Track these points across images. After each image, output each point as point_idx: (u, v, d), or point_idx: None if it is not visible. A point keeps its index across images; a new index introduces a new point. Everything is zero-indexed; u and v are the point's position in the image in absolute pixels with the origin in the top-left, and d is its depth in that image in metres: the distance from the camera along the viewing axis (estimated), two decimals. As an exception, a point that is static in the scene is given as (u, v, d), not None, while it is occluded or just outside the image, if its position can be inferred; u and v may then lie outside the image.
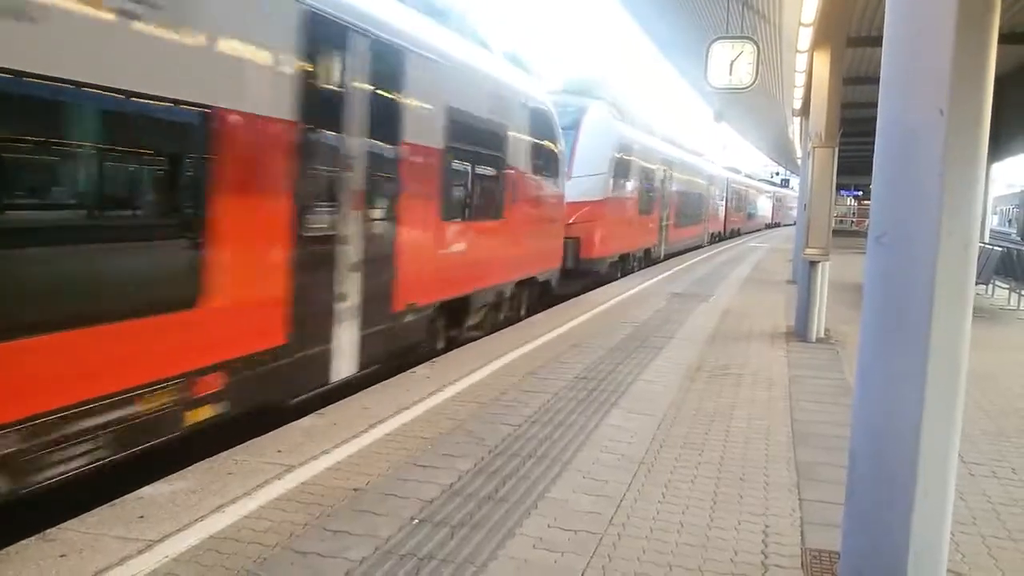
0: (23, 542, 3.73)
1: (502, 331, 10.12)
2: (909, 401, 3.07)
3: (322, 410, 6.16)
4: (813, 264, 10.35)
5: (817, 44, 10.45)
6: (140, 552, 3.67)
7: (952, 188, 2.95)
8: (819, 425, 6.25)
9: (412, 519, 4.16)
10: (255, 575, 3.51)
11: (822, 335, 10.35)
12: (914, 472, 3.04)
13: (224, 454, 5.08)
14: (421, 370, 7.68)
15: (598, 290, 15.11)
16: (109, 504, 4.21)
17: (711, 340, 9.92)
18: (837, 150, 10.55)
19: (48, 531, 3.84)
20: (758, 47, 12.02)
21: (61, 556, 3.60)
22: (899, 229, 3.15)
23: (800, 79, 13.94)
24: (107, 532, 3.86)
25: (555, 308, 12.37)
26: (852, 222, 59.43)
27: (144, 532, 3.88)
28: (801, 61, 12.18)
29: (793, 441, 5.80)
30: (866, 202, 53.51)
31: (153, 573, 3.49)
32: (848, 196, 59.27)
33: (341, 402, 6.42)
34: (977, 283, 12.39)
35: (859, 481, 3.31)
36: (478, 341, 9.37)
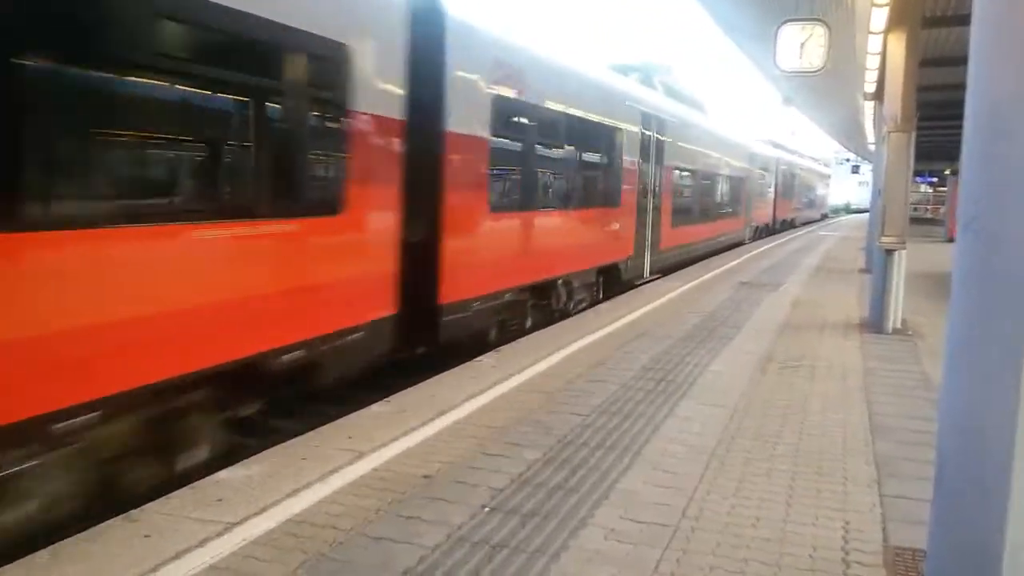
0: (109, 522, 3.85)
1: (565, 320, 10.07)
2: (1001, 395, 2.92)
3: (390, 397, 6.22)
4: (889, 253, 10.02)
5: (892, 25, 10.09)
6: (219, 534, 3.76)
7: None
8: (898, 419, 6.06)
9: (483, 507, 4.16)
10: (331, 559, 3.56)
11: (898, 326, 10.03)
12: (1008, 468, 2.90)
13: (297, 440, 5.17)
14: (487, 359, 7.69)
15: (662, 279, 14.94)
16: (189, 487, 4.33)
17: (781, 330, 9.71)
18: (914, 135, 10.18)
19: (132, 512, 3.96)
20: (829, 29, 11.67)
21: (145, 536, 3.71)
22: (991, 214, 3.00)
23: (873, 61, 13.48)
24: (188, 514, 3.96)
25: (619, 297, 12.26)
26: (927, 209, 57.52)
27: (223, 515, 3.97)
28: (874, 43, 11.76)
29: (871, 435, 5.63)
30: (941, 189, 51.60)
31: (232, 555, 3.57)
32: (923, 183, 57.33)
33: (409, 389, 6.48)
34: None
35: (947, 478, 3.18)
36: (545, 329, 9.35)
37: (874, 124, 20.06)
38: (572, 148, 10.95)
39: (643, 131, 14.13)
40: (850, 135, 44.71)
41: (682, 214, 17.47)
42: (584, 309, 11.41)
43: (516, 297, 9.36)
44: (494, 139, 8.62)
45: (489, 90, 8.46)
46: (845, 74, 19.71)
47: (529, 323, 9.89)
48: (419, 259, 7.21)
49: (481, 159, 8.42)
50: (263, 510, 4.04)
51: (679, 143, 16.86)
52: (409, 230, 6.94)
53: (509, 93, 8.98)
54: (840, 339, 9.31)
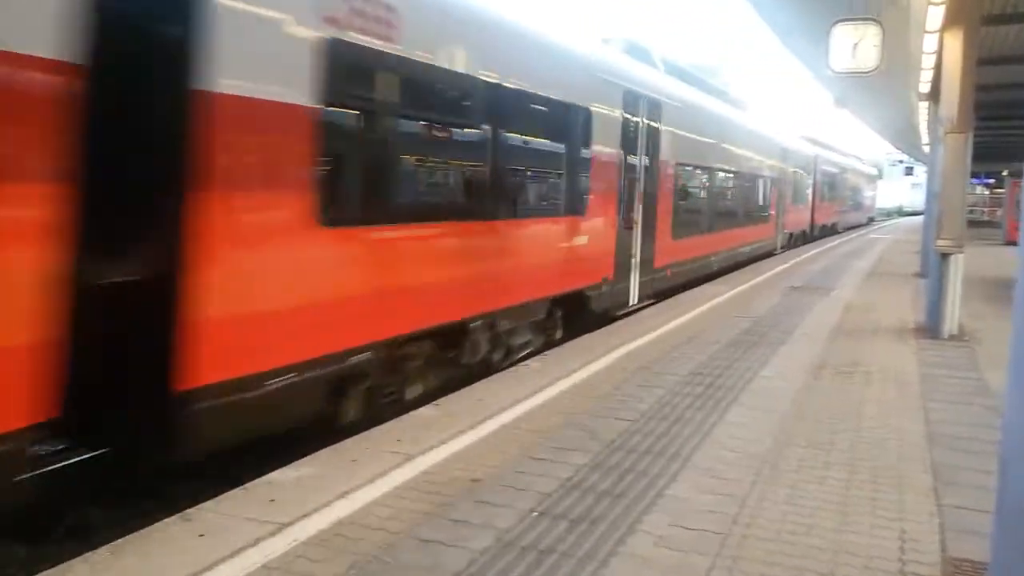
0: (165, 520, 3.93)
1: (612, 325, 10.01)
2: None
3: (438, 401, 6.25)
4: (945, 256, 9.78)
5: (948, 24, 9.85)
6: (272, 534, 3.81)
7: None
8: (956, 426, 5.90)
9: (532, 511, 4.15)
10: (380, 560, 3.58)
11: (955, 331, 9.78)
12: (1076, 480, 2.81)
13: (346, 442, 5.22)
14: (533, 363, 7.69)
15: (711, 283, 14.77)
16: (241, 487, 4.40)
17: (834, 336, 9.53)
18: (971, 136, 9.93)
19: (188, 511, 4.04)
20: (883, 28, 11.44)
21: (200, 535, 3.78)
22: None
23: (929, 61, 13.19)
24: (241, 514, 4.03)
25: (667, 301, 12.16)
26: (983, 211, 55.99)
27: (275, 515, 4.02)
28: (930, 42, 11.51)
29: (929, 443, 5.49)
30: (999, 190, 50.12)
31: (284, 555, 3.61)
32: (979, 184, 55.82)
33: (456, 393, 6.50)
34: None
35: (1012, 488, 3.08)
36: (590, 334, 9.31)
37: (929, 125, 19.63)
38: (497, 132, 7.57)
39: (627, 116, 10.74)
40: (903, 136, 43.73)
41: (689, 222, 14.31)
42: (532, 355, 8.37)
43: (378, 355, 6.09)
44: (329, 109, 5.33)
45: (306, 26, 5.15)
46: (899, 74, 19.31)
47: (417, 390, 6.82)
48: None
49: (294, 140, 5.14)
50: (314, 511, 4.09)
51: (685, 134, 13.53)
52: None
53: (353, 30, 5.54)
54: (895, 344, 9.11)
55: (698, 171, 15.02)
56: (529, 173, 8.62)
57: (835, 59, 11.56)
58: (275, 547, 3.68)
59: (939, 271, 9.80)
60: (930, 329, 9.84)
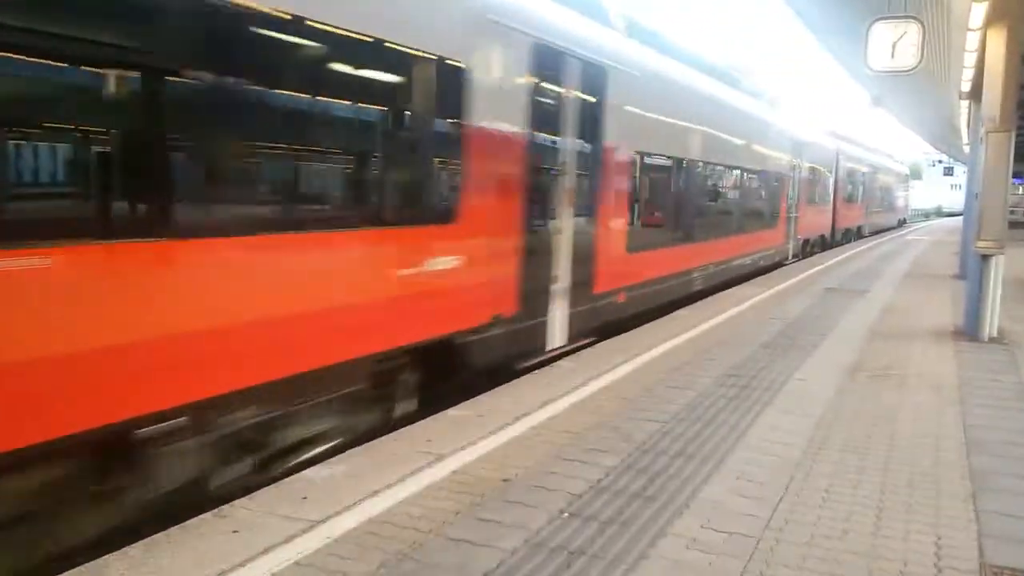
0: (200, 517, 3.99)
1: (645, 326, 9.96)
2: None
3: (469, 401, 6.26)
4: (985, 258, 9.59)
5: (991, 21, 9.67)
6: (304, 532, 3.85)
7: None
8: (996, 432, 5.78)
9: (562, 512, 4.15)
10: (411, 559, 3.60)
11: (995, 334, 9.58)
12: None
13: (378, 441, 5.26)
14: (566, 363, 7.67)
15: (744, 285, 14.64)
16: (275, 485, 4.45)
17: (870, 338, 9.39)
18: (1014, 135, 9.73)
19: (222, 508, 4.09)
20: (923, 26, 11.25)
21: (234, 532, 3.82)
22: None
23: (970, 59, 12.95)
24: (274, 511, 4.07)
25: (700, 303, 12.07)
26: (1024, 212, 54.76)
27: (307, 513, 4.06)
28: (972, 40, 11.30)
29: (967, 448, 5.39)
30: (1041, 191, 48.98)
31: (316, 552, 3.65)
32: (1021, 184, 54.63)
33: (487, 393, 6.51)
34: None
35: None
36: (623, 335, 9.27)
37: (969, 124, 19.26)
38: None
39: (541, 81, 7.66)
40: (942, 136, 42.93)
41: (657, 229, 11.43)
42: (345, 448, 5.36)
43: None
44: None
45: None
46: (939, 73, 18.99)
47: None
48: None
49: None
50: (345, 509, 4.12)
51: (654, 115, 10.53)
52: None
53: None
54: (932, 347, 8.95)
55: (673, 163, 11.66)
56: (327, 156, 5.52)
57: (873, 58, 11.38)
58: (307, 545, 3.72)
59: (979, 273, 9.61)
60: (969, 332, 9.66)
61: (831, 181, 24.56)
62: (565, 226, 8.22)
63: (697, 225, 12.86)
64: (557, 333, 8.25)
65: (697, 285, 12.93)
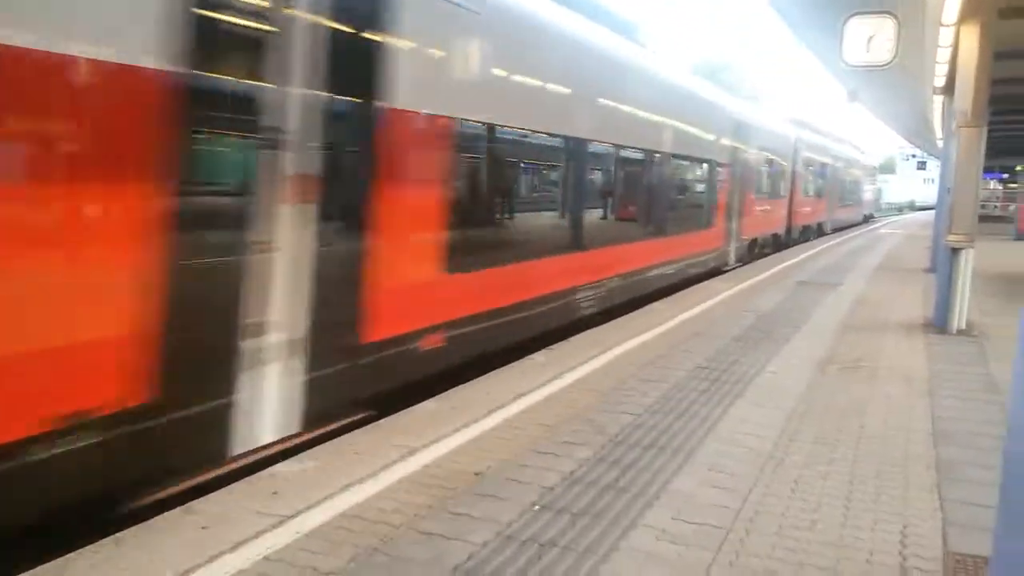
0: (168, 513, 3.95)
1: (619, 319, 9.99)
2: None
3: (443, 394, 6.25)
4: (955, 251, 9.71)
5: (964, 17, 9.77)
6: (274, 527, 3.82)
7: None
8: (962, 423, 5.87)
9: (533, 505, 4.16)
10: (381, 553, 3.59)
11: (963, 327, 9.71)
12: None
13: (350, 435, 5.23)
14: (539, 357, 7.68)
15: (719, 278, 14.73)
16: (245, 480, 4.41)
17: (841, 331, 9.48)
18: (985, 130, 9.85)
19: (191, 503, 4.06)
20: (898, 21, 11.36)
21: (203, 528, 3.79)
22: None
23: (944, 55, 13.09)
24: (244, 506, 4.04)
25: (675, 296, 12.13)
26: (996, 206, 55.59)
27: (277, 508, 4.04)
28: (945, 36, 11.43)
29: (934, 439, 5.46)
30: (1012, 185, 49.69)
31: (286, 547, 3.63)
32: (992, 179, 55.42)
33: (461, 387, 6.50)
34: None
35: (1014, 483, 3.06)
36: (597, 328, 9.29)
37: (942, 119, 19.48)
38: None
39: None
40: (917, 131, 43.39)
41: (509, 234, 8.33)
42: None
43: None
44: None
45: None
46: (913, 68, 19.17)
47: None
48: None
49: None
50: (316, 504, 4.10)
51: (491, 69, 7.40)
52: None
53: None
54: (903, 340, 9.06)
55: (534, 141, 8.61)
56: None
57: (849, 52, 11.48)
58: (277, 540, 3.69)
59: (949, 266, 9.74)
60: (938, 324, 9.79)
61: (788, 172, 22.24)
62: (289, 238, 4.99)
63: (582, 228, 9.76)
64: (268, 422, 5.01)
65: (583, 310, 9.77)
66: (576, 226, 9.75)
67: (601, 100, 10.03)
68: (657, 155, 12.11)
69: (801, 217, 24.50)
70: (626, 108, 10.81)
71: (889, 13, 11.56)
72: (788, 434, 5.46)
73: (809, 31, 20.35)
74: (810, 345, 8.52)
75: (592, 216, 10.27)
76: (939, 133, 24.74)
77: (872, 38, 11.30)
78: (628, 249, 11.26)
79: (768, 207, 20.18)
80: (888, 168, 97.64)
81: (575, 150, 9.57)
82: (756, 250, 19.32)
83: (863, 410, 6.12)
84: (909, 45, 16.07)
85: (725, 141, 15.68)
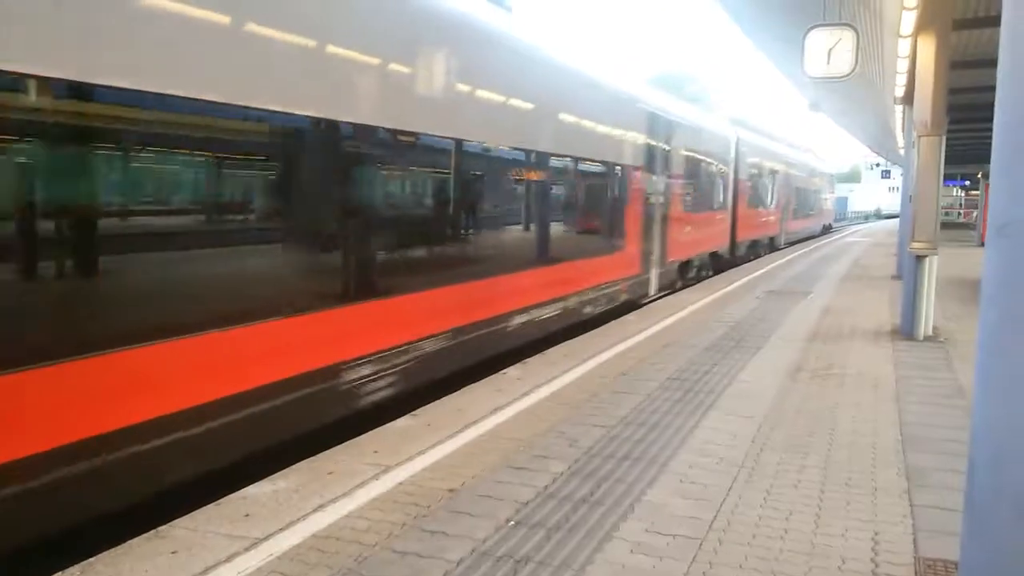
0: (137, 539, 3.89)
1: (594, 331, 10.02)
2: (1034, 404, 2.86)
3: (416, 411, 6.23)
4: (920, 258, 9.88)
5: (921, 28, 9.98)
6: (246, 550, 3.78)
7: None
8: (930, 428, 5.95)
9: (508, 521, 4.15)
10: (356, 574, 3.56)
11: (930, 333, 9.87)
12: (1041, 480, 2.83)
13: (323, 454, 5.20)
14: (512, 371, 7.68)
15: (690, 289, 14.83)
16: (215, 503, 4.36)
17: (811, 339, 9.59)
18: (944, 139, 10.05)
19: (160, 528, 4.00)
20: (858, 33, 11.58)
21: (172, 553, 3.74)
22: None
23: (903, 65, 13.35)
24: (215, 530, 3.99)
25: (647, 307, 12.20)
26: (959, 213, 56.65)
27: (249, 530, 3.99)
28: (904, 46, 11.66)
29: (902, 445, 5.53)
30: (974, 192, 50.67)
31: (259, 571, 3.59)
32: (954, 186, 56.48)
33: (435, 403, 6.48)
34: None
35: (980, 488, 3.11)
36: (570, 341, 9.31)
37: (903, 128, 19.84)
38: None
39: None
40: (880, 140, 44.08)
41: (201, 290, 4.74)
42: None
43: None
44: None
45: None
46: (874, 78, 19.55)
47: None
48: None
49: None
50: (289, 525, 4.07)
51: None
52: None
53: None
54: (871, 347, 9.18)
55: (271, 135, 5.27)
56: None
57: (810, 64, 11.67)
58: (249, 563, 3.65)
59: (914, 273, 9.90)
60: (905, 331, 9.93)
61: (729, 180, 19.26)
62: None
63: (375, 263, 6.40)
64: None
65: (379, 391, 6.39)
66: (359, 264, 6.20)
67: (412, 68, 6.61)
68: (523, 155, 8.82)
69: (747, 231, 21.56)
70: (465, 86, 7.51)
71: (849, 25, 11.78)
72: (760, 443, 5.51)
73: (772, 44, 20.65)
74: (780, 354, 8.60)
75: (388, 244, 6.55)
76: (901, 142, 25.17)
77: (832, 49, 11.50)
78: (463, 293, 7.68)
79: (705, 222, 17.10)
80: (854, 177, 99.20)
81: (389, 150, 6.51)
82: (691, 273, 16.43)
83: (833, 417, 6.19)
84: (870, 56, 16.44)
85: (637, 139, 12.46)
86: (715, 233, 18.37)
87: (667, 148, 14.03)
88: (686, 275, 15.93)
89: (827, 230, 41.62)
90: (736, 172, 19.99)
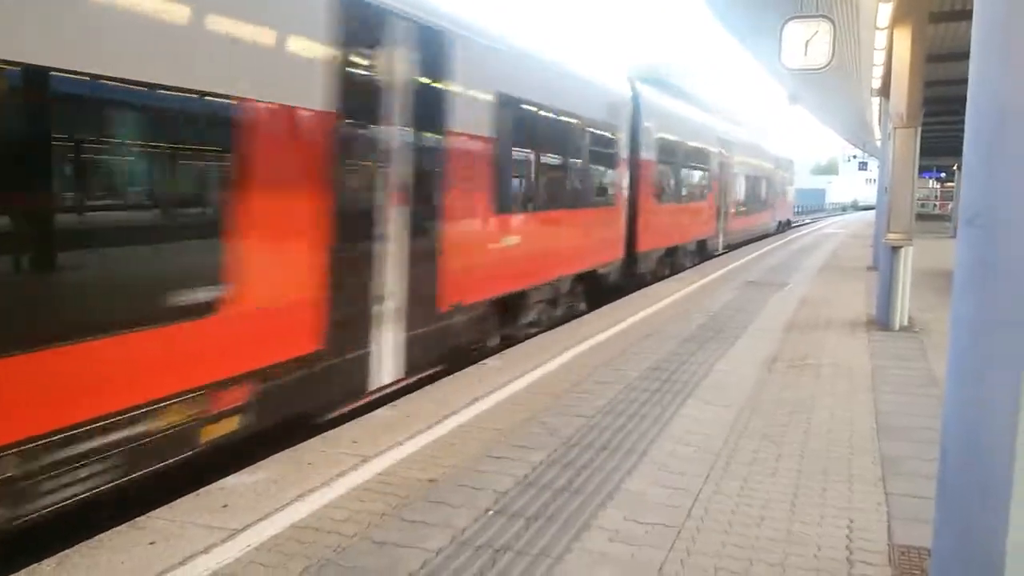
0: (115, 529, 3.86)
1: (571, 322, 10.05)
2: (1005, 392, 2.90)
3: (396, 402, 6.22)
4: (895, 250, 9.99)
5: (897, 20, 10.07)
6: (224, 540, 3.77)
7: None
8: (904, 417, 6.03)
9: (487, 510, 4.16)
10: (335, 564, 3.56)
11: (905, 323, 9.99)
12: (1010, 467, 2.88)
13: (302, 445, 5.18)
14: (492, 361, 7.69)
15: (670, 279, 14.90)
16: (194, 494, 4.34)
17: (788, 329, 9.68)
18: (920, 131, 10.15)
19: (138, 519, 3.98)
20: (834, 25, 11.64)
21: (151, 543, 3.72)
22: (995, 210, 2.99)
23: (879, 57, 13.46)
24: (193, 520, 3.98)
25: (626, 298, 12.24)
26: (935, 205, 57.26)
27: (228, 521, 3.98)
28: (880, 39, 11.75)
29: (877, 433, 5.61)
30: (949, 184, 51.26)
31: (237, 561, 3.58)
32: (930, 178, 57.06)
33: (415, 394, 6.48)
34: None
35: (951, 476, 3.16)
36: (549, 332, 9.33)
37: (880, 121, 20.00)
38: None
39: None
40: (857, 132, 44.35)
41: None
42: None
43: None
44: None
45: None
46: (851, 70, 19.66)
47: None
48: None
49: None
50: (268, 516, 4.05)
51: None
52: None
53: None
54: (847, 337, 9.28)
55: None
56: None
57: (788, 56, 11.73)
58: (227, 554, 3.64)
59: (890, 264, 10.00)
60: (881, 321, 10.05)
61: (622, 161, 12.91)
62: None
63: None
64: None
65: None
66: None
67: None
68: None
69: (655, 237, 15.04)
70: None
71: (826, 17, 11.84)
72: (737, 431, 5.56)
73: (750, 36, 20.69)
74: (758, 344, 8.67)
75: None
76: (878, 134, 25.36)
77: (810, 41, 11.57)
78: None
79: (567, 228, 10.78)
80: (831, 169, 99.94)
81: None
82: (567, 312, 11.01)
83: (810, 406, 6.25)
84: (846, 48, 16.54)
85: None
86: (594, 246, 11.81)
87: (500, 116, 8.29)
88: (519, 318, 9.53)
89: (785, 227, 33.93)
90: (634, 150, 13.59)
